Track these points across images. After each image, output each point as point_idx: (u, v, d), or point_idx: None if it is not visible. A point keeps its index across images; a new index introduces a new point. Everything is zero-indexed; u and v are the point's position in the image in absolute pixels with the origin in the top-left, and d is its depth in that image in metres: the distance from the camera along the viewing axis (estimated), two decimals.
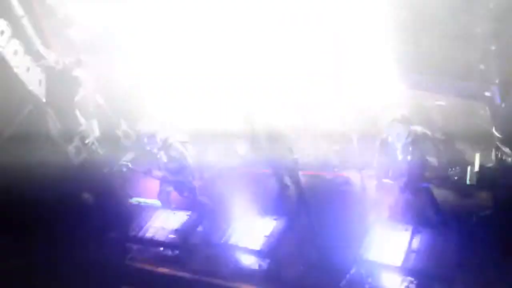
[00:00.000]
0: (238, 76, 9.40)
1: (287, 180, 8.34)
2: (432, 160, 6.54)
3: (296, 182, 8.22)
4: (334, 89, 9.59)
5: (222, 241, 7.32)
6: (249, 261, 7.08)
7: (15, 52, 7.90)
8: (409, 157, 6.43)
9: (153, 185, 8.48)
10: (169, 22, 9.57)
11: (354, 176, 8.56)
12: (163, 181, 8.25)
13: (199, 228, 7.94)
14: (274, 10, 8.75)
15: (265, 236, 7.20)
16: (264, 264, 6.97)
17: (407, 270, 6.03)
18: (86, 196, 8.86)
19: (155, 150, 7.96)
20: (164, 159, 8.00)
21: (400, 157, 6.47)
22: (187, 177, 8.11)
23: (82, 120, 9.16)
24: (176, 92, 10.21)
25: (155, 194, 8.50)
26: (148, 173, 8.12)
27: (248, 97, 8.83)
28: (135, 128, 10.27)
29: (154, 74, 10.29)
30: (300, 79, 9.89)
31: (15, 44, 7.91)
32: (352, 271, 6.28)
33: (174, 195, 8.46)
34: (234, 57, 9.34)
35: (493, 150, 6.94)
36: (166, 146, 7.93)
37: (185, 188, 8.25)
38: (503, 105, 6.31)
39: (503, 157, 6.52)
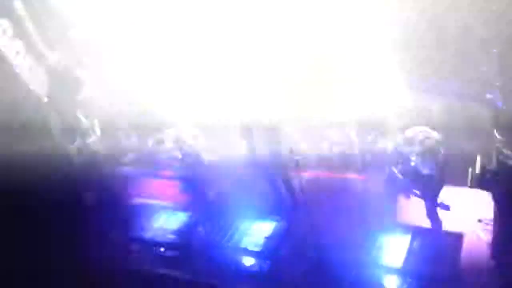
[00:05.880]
0: (239, 74, 9.40)
1: (288, 181, 8.34)
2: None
3: (297, 183, 8.21)
4: (337, 91, 9.60)
5: (223, 242, 7.32)
6: (250, 263, 7.08)
7: (17, 52, 7.92)
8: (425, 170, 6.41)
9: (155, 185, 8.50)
10: (169, 20, 9.57)
11: (355, 178, 8.56)
12: (173, 178, 8.28)
13: (200, 229, 7.94)
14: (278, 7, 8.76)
15: (266, 237, 7.20)
16: (265, 265, 6.97)
17: (408, 272, 6.03)
18: (87, 195, 8.86)
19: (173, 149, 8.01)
20: (179, 155, 8.03)
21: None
22: (200, 172, 8.13)
23: (83, 120, 9.17)
24: (180, 87, 10.19)
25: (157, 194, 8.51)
26: (151, 173, 8.13)
27: (248, 97, 8.84)
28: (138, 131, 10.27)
29: (156, 73, 10.29)
30: (302, 82, 9.90)
31: (17, 44, 7.93)
32: (353, 272, 6.28)
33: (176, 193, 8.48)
34: (235, 54, 9.35)
35: (495, 153, 6.92)
36: (179, 143, 7.97)
37: (196, 184, 8.28)
38: (504, 107, 6.31)
39: (505, 160, 6.51)
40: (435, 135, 6.30)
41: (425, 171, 6.34)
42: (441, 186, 6.51)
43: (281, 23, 8.78)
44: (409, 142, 6.27)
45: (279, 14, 8.80)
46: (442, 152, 6.35)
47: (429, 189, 6.49)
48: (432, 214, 6.63)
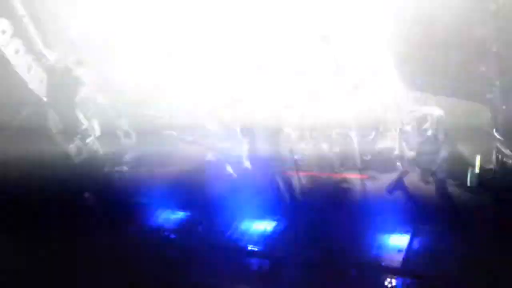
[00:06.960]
0: (240, 75, 9.40)
1: (288, 181, 8.35)
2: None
3: (297, 183, 8.23)
4: (337, 90, 9.59)
5: (223, 242, 7.33)
6: (249, 263, 7.08)
7: (16, 51, 7.91)
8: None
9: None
10: (169, 18, 9.56)
11: (354, 178, 8.56)
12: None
13: (200, 229, 7.95)
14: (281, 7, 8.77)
15: (266, 237, 7.21)
16: (265, 265, 6.97)
17: (407, 271, 6.03)
18: (87, 195, 8.87)
19: None
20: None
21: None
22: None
23: (83, 119, 9.16)
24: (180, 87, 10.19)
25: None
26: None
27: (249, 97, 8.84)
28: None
29: (155, 72, 10.27)
30: (302, 80, 9.90)
31: (17, 43, 7.92)
32: (352, 272, 6.29)
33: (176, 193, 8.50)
34: (236, 55, 9.34)
35: (494, 152, 6.93)
36: None
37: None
38: (504, 107, 6.31)
39: (504, 159, 6.52)
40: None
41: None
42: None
43: (281, 23, 8.78)
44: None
45: (279, 14, 8.80)
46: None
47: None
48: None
